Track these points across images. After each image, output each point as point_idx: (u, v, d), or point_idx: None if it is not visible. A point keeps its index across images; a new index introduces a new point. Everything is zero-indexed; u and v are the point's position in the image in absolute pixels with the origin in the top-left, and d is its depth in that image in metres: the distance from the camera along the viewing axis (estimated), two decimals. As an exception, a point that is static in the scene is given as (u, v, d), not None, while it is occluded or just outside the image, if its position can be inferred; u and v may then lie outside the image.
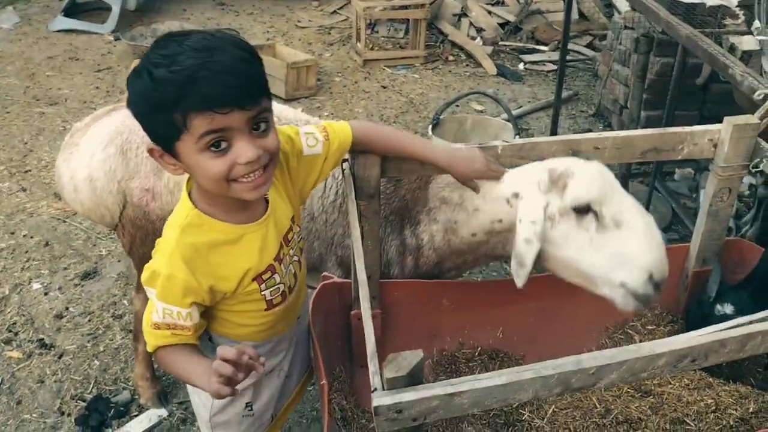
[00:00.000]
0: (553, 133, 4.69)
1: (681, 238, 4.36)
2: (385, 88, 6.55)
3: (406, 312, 2.37)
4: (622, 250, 1.85)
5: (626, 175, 4.43)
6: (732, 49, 2.73)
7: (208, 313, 1.71)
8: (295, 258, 1.84)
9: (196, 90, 1.34)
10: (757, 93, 2.22)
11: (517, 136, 4.50)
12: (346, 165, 2.05)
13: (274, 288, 1.74)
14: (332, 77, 6.77)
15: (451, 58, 7.22)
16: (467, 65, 7.11)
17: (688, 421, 2.13)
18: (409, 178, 2.30)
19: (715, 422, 2.11)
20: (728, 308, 2.26)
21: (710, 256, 2.43)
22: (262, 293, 1.72)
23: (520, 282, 1.93)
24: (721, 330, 1.47)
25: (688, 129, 2.19)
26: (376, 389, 1.34)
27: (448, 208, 2.21)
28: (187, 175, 1.61)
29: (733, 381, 2.35)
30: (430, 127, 4.61)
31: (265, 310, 1.76)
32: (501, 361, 2.42)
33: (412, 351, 1.37)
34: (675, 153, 2.22)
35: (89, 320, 3.70)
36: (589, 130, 5.64)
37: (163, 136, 1.46)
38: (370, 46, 7.17)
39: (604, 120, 5.79)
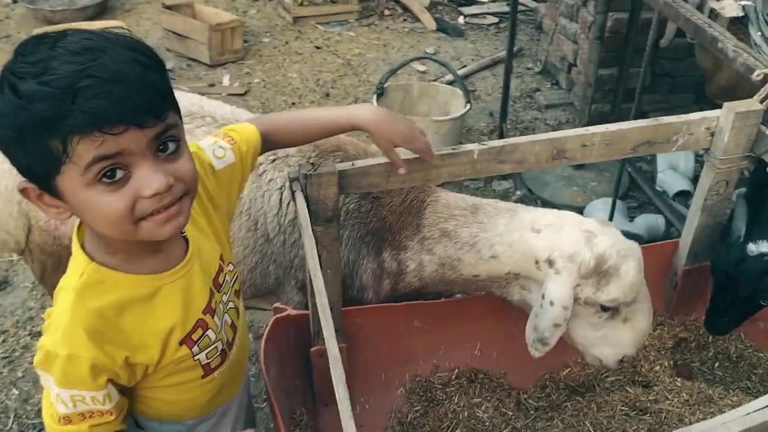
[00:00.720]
0: (505, 96, 4.39)
1: (639, 206, 4.20)
2: (319, 48, 6.08)
3: (373, 339, 2.07)
4: (615, 339, 1.89)
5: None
6: (713, 16, 2.47)
7: (129, 392, 1.35)
8: (231, 305, 1.49)
9: (76, 105, 1.02)
10: (755, 74, 1.97)
11: (468, 104, 4.19)
12: (296, 186, 1.70)
13: (210, 348, 1.38)
14: (260, 38, 6.24)
15: (387, 12, 6.77)
16: (405, 20, 6.68)
17: (691, 443, 1.94)
18: (392, 197, 2.01)
19: (721, 443, 1.93)
20: (764, 246, 1.98)
21: (702, 252, 2.22)
22: (196, 358, 1.37)
23: (537, 355, 1.86)
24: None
25: (683, 118, 1.93)
26: None
27: (451, 244, 1.94)
28: (77, 220, 1.24)
29: (732, 384, 2.18)
30: (375, 96, 4.24)
31: (203, 377, 1.41)
32: (481, 383, 2.17)
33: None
34: (669, 145, 1.96)
35: (2, 341, 3.24)
36: (537, 90, 5.39)
37: (38, 169, 1.10)
38: (300, 1, 6.63)
39: (552, 78, 5.54)
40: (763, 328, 2.26)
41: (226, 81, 5.49)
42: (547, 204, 4.21)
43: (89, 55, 1.05)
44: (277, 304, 1.94)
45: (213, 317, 1.39)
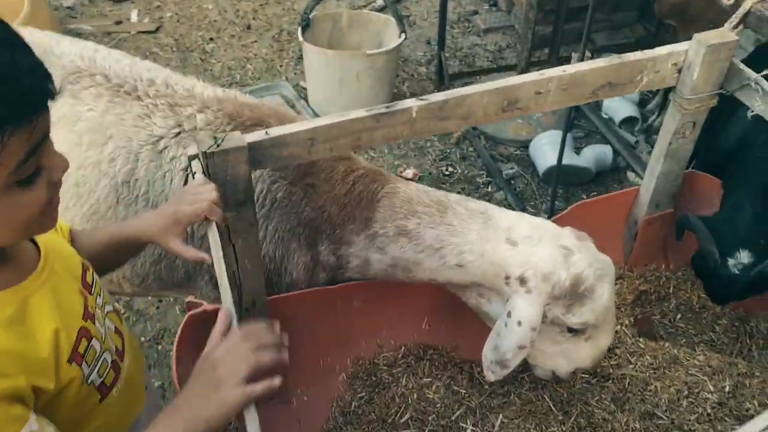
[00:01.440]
0: (442, 22, 4.04)
1: (586, 135, 4.01)
2: (236, -26, 5.53)
3: (308, 326, 1.82)
4: (574, 354, 1.72)
5: (525, 71, 3.95)
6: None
7: None
8: (108, 308, 1.28)
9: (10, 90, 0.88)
10: (726, -4, 1.72)
11: (403, 34, 3.83)
12: (196, 166, 1.38)
13: (99, 364, 1.17)
14: (170, -35, 5.63)
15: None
16: (329, -61, 6.14)
17: (658, 413, 1.79)
18: (332, 185, 1.71)
19: (690, 410, 1.79)
20: (744, 257, 1.82)
21: (665, 199, 2.02)
22: (89, 380, 1.14)
23: (492, 378, 1.65)
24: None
25: (648, 54, 1.68)
26: None
27: (411, 246, 1.68)
28: None
29: (695, 337, 2.04)
30: (300, 30, 3.83)
31: (101, 401, 1.19)
32: (430, 360, 1.96)
33: None
34: (633, 85, 1.71)
35: None
36: (476, 12, 5.04)
37: None
38: None
39: (489, -2, 5.19)
40: (727, 276, 2.11)
41: (134, 17, 4.93)
42: (491, 139, 3.97)
43: None
44: (190, 299, 1.65)
45: (94, 323, 1.19)
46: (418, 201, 1.71)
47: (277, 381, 1.05)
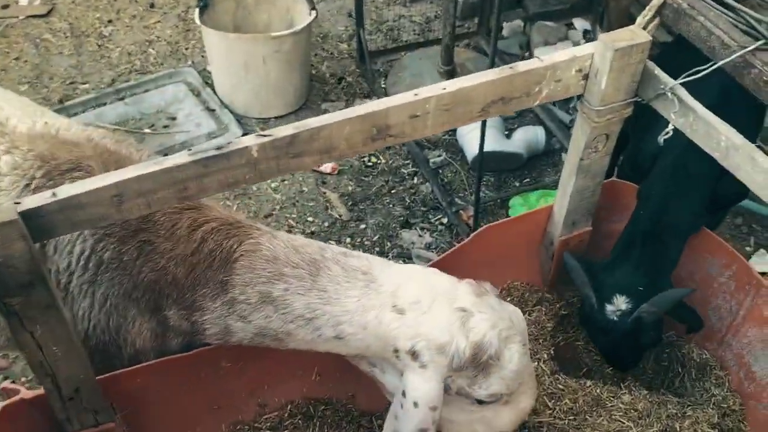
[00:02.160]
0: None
1: (518, 115, 3.72)
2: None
3: (167, 396, 1.54)
4: (493, 421, 1.48)
5: (450, 46, 3.63)
6: None
7: None
8: None
9: None
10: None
11: (314, 11, 3.47)
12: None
13: None
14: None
15: None
16: None
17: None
18: (175, 242, 1.41)
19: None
20: (621, 303, 1.64)
21: (582, 217, 1.77)
22: None
23: None
24: None
25: (547, 62, 1.39)
26: None
27: (279, 316, 1.41)
28: None
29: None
30: (197, 11, 3.43)
31: None
32: (322, 417, 1.70)
33: None
34: (530, 99, 1.43)
35: None
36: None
37: None
38: None
39: (417, -37, 4.81)
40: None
41: (23, 0, 4.44)
42: (416, 123, 3.67)
43: None
44: (5, 385, 1.36)
45: None
46: (285, 261, 1.42)
47: None
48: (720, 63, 1.27)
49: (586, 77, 1.44)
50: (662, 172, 1.66)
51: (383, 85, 3.85)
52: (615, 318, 1.64)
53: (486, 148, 3.18)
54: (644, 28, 1.42)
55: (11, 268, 1.09)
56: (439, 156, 3.49)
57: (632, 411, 1.64)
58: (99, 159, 1.40)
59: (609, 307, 1.64)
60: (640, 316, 1.63)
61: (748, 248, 3.02)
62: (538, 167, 3.45)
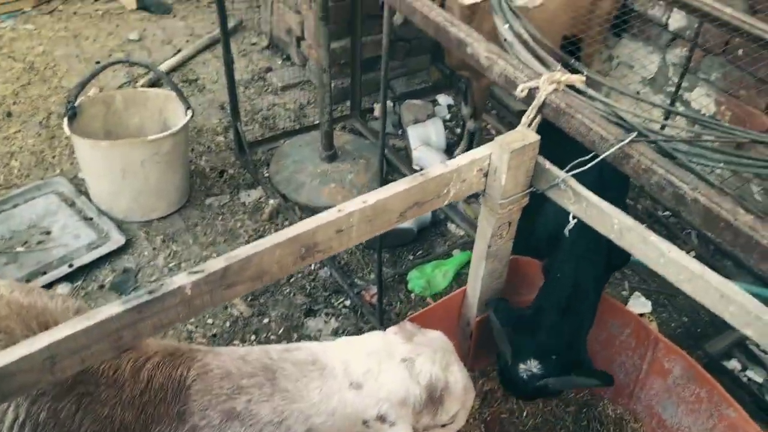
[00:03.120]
0: (231, 86, 3.70)
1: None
2: (-13, 51, 4.80)
3: None
4: None
5: (329, 132, 3.75)
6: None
7: None
8: None
9: None
10: (519, 89, 1.59)
11: (189, 111, 3.46)
12: None
13: None
14: None
15: (71, -8, 5.59)
16: (96, 0, 5.57)
17: None
18: (119, 388, 1.37)
19: None
20: (533, 366, 1.76)
21: (494, 297, 1.88)
22: None
23: None
24: None
25: (451, 166, 1.50)
26: None
27: (246, 429, 1.42)
28: None
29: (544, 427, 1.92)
30: (66, 120, 3.31)
31: None
32: None
33: None
34: (441, 199, 1.53)
35: None
36: (269, 69, 4.77)
37: None
38: (-52, -10, 5.19)
39: (282, 53, 4.96)
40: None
41: None
42: (306, 209, 3.71)
43: None
44: None
45: None
46: (239, 374, 1.44)
47: None
48: (603, 155, 1.44)
49: (486, 175, 1.57)
50: (566, 250, 1.82)
51: (266, 174, 3.88)
52: (525, 377, 1.77)
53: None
54: (529, 126, 1.58)
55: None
56: (333, 240, 3.55)
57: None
58: (17, 318, 1.31)
59: (522, 366, 1.77)
60: (547, 384, 1.77)
61: (624, 292, 3.30)
62: (428, 239, 3.59)
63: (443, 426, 1.58)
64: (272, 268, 1.32)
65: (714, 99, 3.34)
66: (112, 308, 1.15)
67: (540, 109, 1.57)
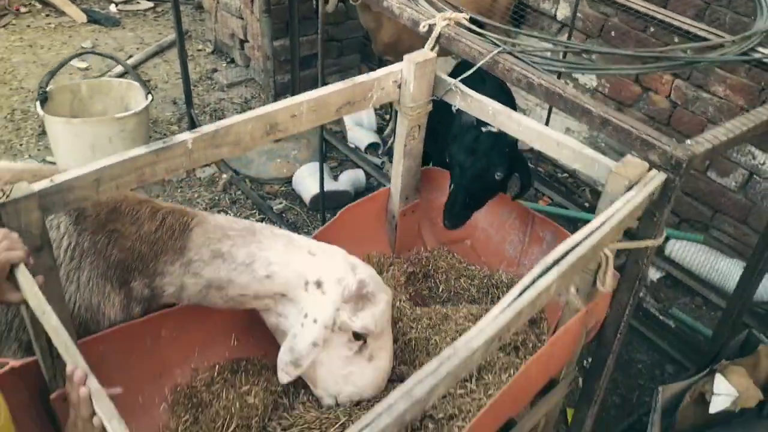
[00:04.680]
0: (186, 80, 4.22)
1: (339, 164, 4.44)
2: (-52, 60, 5.14)
3: (121, 363, 1.88)
4: (358, 378, 1.96)
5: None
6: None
7: None
8: None
9: None
10: (421, 26, 2.19)
11: (149, 95, 3.94)
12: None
13: None
14: None
15: (23, 9, 5.98)
16: (48, 15, 5.98)
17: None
18: (139, 226, 1.84)
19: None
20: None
21: (411, 192, 2.44)
22: None
23: (286, 380, 1.90)
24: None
25: (373, 75, 2.07)
26: None
27: (225, 266, 1.87)
28: None
29: (459, 297, 2.47)
30: (38, 103, 3.74)
31: None
32: (245, 370, 2.12)
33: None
34: (366, 102, 2.09)
35: None
36: (215, 70, 5.30)
37: None
38: None
39: (226, 56, 5.49)
40: (469, 244, 2.59)
41: None
42: (255, 180, 4.22)
43: None
44: (-5, 360, 1.64)
45: None
46: (228, 227, 1.92)
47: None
48: (479, 64, 2.04)
49: (399, 86, 2.14)
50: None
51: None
52: (484, 131, 2.33)
53: (319, 189, 3.83)
54: (432, 50, 2.17)
55: (27, 233, 1.47)
56: (281, 203, 4.06)
57: (470, 315, 2.29)
58: (37, 173, 1.77)
59: (482, 128, 2.33)
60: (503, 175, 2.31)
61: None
62: (363, 201, 4.16)
63: (356, 338, 1.88)
64: (246, 138, 1.84)
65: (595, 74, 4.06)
66: (139, 150, 1.65)
67: (437, 39, 2.17)
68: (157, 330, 1.96)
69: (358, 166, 4.31)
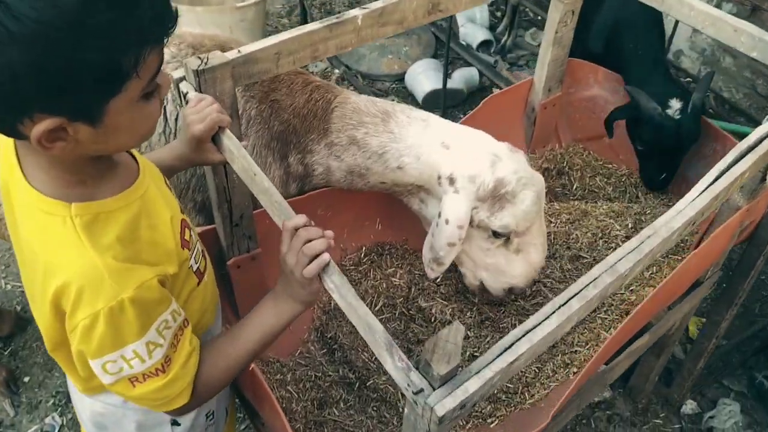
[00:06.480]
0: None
1: (450, 62, 4.35)
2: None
3: (280, 239, 1.97)
4: (506, 267, 1.89)
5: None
6: None
7: None
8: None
9: (144, 11, 0.92)
10: None
11: (266, -15, 3.92)
12: (186, 87, 1.49)
13: (196, 251, 1.31)
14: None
15: None
16: None
17: (582, 254, 2.17)
18: (294, 98, 1.86)
19: (606, 247, 2.18)
20: (674, 103, 2.27)
21: (555, 84, 2.38)
22: (190, 265, 1.27)
23: (432, 275, 1.86)
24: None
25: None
26: (422, 390, 1.02)
27: (360, 153, 1.85)
28: None
29: (596, 194, 2.45)
30: (161, -8, 3.78)
31: (198, 284, 1.32)
32: (390, 253, 2.20)
33: (453, 327, 1.06)
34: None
35: None
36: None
37: (91, 95, 0.94)
38: None
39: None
40: (608, 143, 2.53)
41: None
42: (368, 77, 4.21)
43: None
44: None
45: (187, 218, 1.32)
46: (365, 111, 1.87)
47: (326, 256, 1.22)
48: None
49: (558, -31, 2.05)
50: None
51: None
52: (678, 116, 2.23)
53: (432, 87, 3.79)
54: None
55: (221, 101, 1.52)
56: (393, 100, 4.05)
57: (611, 212, 2.27)
58: (234, 42, 1.83)
59: (668, 111, 2.23)
60: (695, 103, 2.19)
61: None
62: (477, 101, 4.05)
63: (494, 236, 1.79)
64: (410, 16, 1.82)
65: None
66: (315, 25, 1.66)
67: None
68: (315, 208, 2.03)
69: (470, 65, 4.22)
